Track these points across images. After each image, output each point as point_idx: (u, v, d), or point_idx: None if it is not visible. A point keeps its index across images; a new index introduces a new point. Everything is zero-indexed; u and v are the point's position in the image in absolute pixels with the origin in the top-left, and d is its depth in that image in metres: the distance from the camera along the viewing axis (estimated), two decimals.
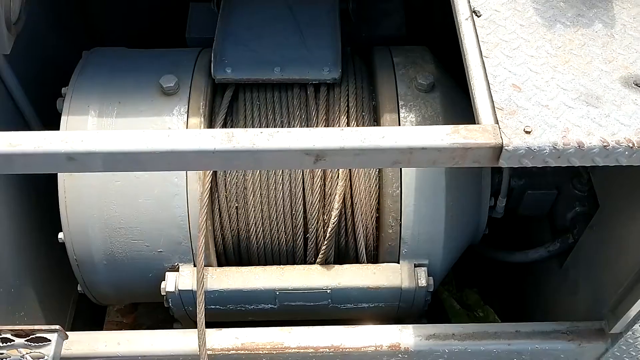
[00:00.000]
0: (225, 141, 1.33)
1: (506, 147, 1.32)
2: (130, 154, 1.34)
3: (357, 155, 1.34)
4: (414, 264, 2.10)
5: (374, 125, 2.15)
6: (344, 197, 2.07)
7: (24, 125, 2.32)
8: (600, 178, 2.06)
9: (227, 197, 2.11)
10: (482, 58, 1.49)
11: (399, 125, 2.08)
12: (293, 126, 2.12)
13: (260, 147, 1.33)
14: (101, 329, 2.83)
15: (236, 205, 2.11)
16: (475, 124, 1.40)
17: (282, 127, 2.13)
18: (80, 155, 1.34)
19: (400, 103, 2.11)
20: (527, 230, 2.57)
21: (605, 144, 1.34)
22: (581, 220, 2.15)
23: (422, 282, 2.07)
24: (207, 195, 2.01)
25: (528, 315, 2.63)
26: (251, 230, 2.13)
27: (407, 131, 1.34)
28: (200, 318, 1.94)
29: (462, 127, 1.34)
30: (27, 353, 1.76)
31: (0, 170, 1.38)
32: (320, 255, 2.12)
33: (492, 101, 1.41)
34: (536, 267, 2.48)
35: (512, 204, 2.26)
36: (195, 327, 1.94)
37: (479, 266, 2.75)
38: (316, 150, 1.33)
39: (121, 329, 2.82)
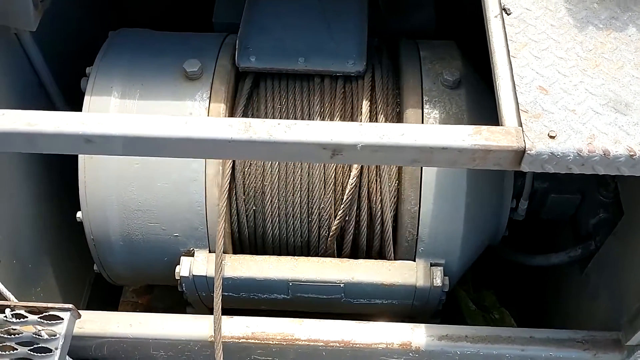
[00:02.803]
0: (242, 131, 1.32)
1: (529, 152, 1.29)
2: (147, 139, 1.34)
3: (375, 151, 1.32)
4: (430, 263, 2.07)
5: (397, 121, 2.12)
6: (363, 192, 2.05)
7: (48, 102, 2.33)
8: (628, 186, 2.00)
9: (244, 185, 2.10)
10: (509, 57, 1.45)
11: (422, 121, 2.04)
12: (313, 118, 2.10)
13: (277, 138, 1.32)
14: (116, 309, 2.85)
15: (254, 193, 2.10)
16: (498, 125, 1.37)
17: (302, 118, 2.11)
18: (97, 137, 1.34)
19: (425, 98, 2.07)
20: (548, 233, 2.52)
21: (632, 153, 1.30)
22: (604, 227, 2.10)
23: (438, 281, 2.04)
24: (227, 182, 2.00)
25: (545, 320, 2.59)
26: (267, 219, 2.12)
27: (427, 129, 1.32)
28: (217, 304, 1.93)
29: (484, 128, 1.31)
30: (40, 330, 1.77)
31: (19, 148, 1.40)
32: (335, 248, 2.11)
33: (517, 103, 1.37)
34: (556, 271, 2.44)
35: (535, 206, 2.21)
36: (207, 312, 1.94)
37: (497, 267, 2.71)
38: (333, 144, 1.32)
39: (136, 310, 2.84)
